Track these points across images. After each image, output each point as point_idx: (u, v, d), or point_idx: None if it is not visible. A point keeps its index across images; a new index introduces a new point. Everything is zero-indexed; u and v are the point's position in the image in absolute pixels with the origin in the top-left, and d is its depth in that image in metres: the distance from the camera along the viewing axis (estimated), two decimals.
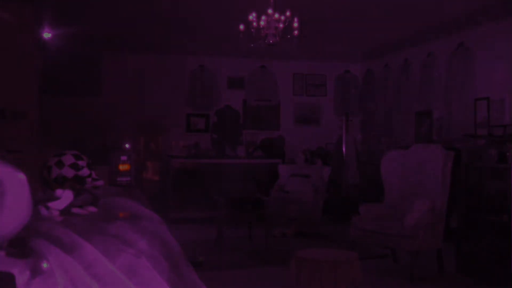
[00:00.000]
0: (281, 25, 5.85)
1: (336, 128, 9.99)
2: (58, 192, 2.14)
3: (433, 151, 5.60)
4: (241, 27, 5.89)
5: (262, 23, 5.83)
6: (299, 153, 8.92)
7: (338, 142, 9.61)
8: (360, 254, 4.31)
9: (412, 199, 5.46)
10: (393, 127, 9.49)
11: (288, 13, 5.82)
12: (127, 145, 7.43)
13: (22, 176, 1.53)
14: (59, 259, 1.50)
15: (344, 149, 9.27)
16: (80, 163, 2.31)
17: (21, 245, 1.51)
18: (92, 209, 2.16)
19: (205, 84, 10.07)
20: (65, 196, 2.13)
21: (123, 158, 5.02)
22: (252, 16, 5.85)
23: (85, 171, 2.30)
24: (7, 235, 1.49)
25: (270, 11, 5.80)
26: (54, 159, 2.28)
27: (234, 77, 10.21)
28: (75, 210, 2.12)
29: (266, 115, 10.43)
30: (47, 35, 6.86)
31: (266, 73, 10.37)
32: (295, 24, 5.85)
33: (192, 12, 6.98)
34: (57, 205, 2.09)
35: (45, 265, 1.45)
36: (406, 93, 9.15)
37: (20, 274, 1.38)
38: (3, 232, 1.47)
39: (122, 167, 5.06)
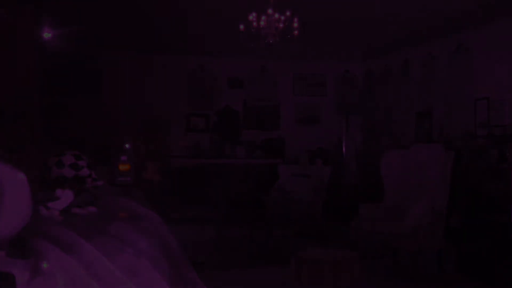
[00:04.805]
0: (281, 25, 5.85)
1: (336, 128, 9.99)
2: (58, 192, 2.14)
3: (433, 151, 5.60)
4: (241, 27, 5.89)
5: (262, 23, 5.83)
6: (303, 153, 8.90)
7: (338, 142, 9.61)
8: (360, 254, 4.31)
9: (412, 199, 5.46)
10: (393, 127, 9.49)
11: (288, 13, 5.83)
12: (127, 145, 7.43)
13: (22, 176, 1.53)
14: (59, 259, 1.50)
15: (344, 149, 9.27)
16: (80, 163, 2.31)
17: (21, 245, 1.51)
18: (92, 209, 2.16)
19: (205, 84, 10.07)
20: (65, 196, 2.13)
21: (123, 158, 5.03)
22: (252, 16, 5.86)
23: (85, 171, 2.30)
24: (7, 235, 1.49)
25: (270, 11, 5.80)
26: (54, 159, 2.28)
27: (234, 77, 10.20)
28: (75, 210, 2.12)
29: (266, 115, 10.43)
30: (47, 35, 6.85)
31: (266, 73, 10.37)
32: (295, 24, 5.85)
33: (192, 12, 6.98)
34: (57, 205, 2.09)
35: (45, 265, 1.45)
36: (406, 93, 9.15)
37: (20, 274, 1.38)
38: (3, 232, 1.47)
39: (122, 167, 5.06)
